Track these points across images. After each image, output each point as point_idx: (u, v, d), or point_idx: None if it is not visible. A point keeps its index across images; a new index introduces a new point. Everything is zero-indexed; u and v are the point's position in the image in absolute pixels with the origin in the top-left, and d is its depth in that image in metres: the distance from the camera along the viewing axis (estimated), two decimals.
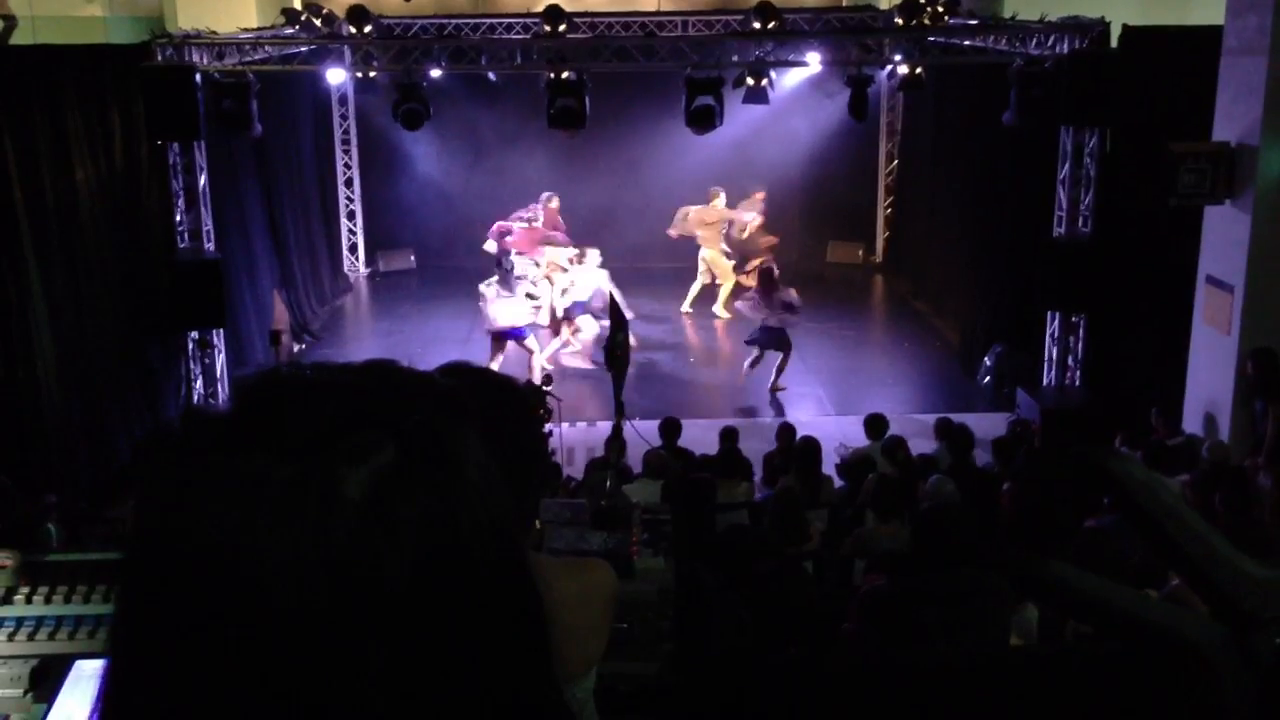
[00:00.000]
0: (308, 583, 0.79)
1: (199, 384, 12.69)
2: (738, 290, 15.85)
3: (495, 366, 13.54)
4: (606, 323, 14.07)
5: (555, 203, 16.10)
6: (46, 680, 3.42)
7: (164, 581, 0.82)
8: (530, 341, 13.92)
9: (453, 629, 0.84)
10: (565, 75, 12.27)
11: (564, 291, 14.63)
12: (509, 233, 15.56)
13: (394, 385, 0.91)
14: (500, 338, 13.82)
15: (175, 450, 0.86)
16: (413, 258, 19.47)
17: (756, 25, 12.77)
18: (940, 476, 8.50)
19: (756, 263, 15.60)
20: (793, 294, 13.82)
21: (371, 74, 15.63)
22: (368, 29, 12.71)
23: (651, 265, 18.14)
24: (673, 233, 16.64)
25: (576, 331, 14.66)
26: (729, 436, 10.22)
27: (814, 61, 13.41)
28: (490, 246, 15.69)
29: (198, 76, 11.70)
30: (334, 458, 0.82)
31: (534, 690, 0.94)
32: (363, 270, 19.57)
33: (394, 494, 0.82)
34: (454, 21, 16.50)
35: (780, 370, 13.76)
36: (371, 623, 0.80)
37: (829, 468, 9.76)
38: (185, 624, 0.80)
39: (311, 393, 0.88)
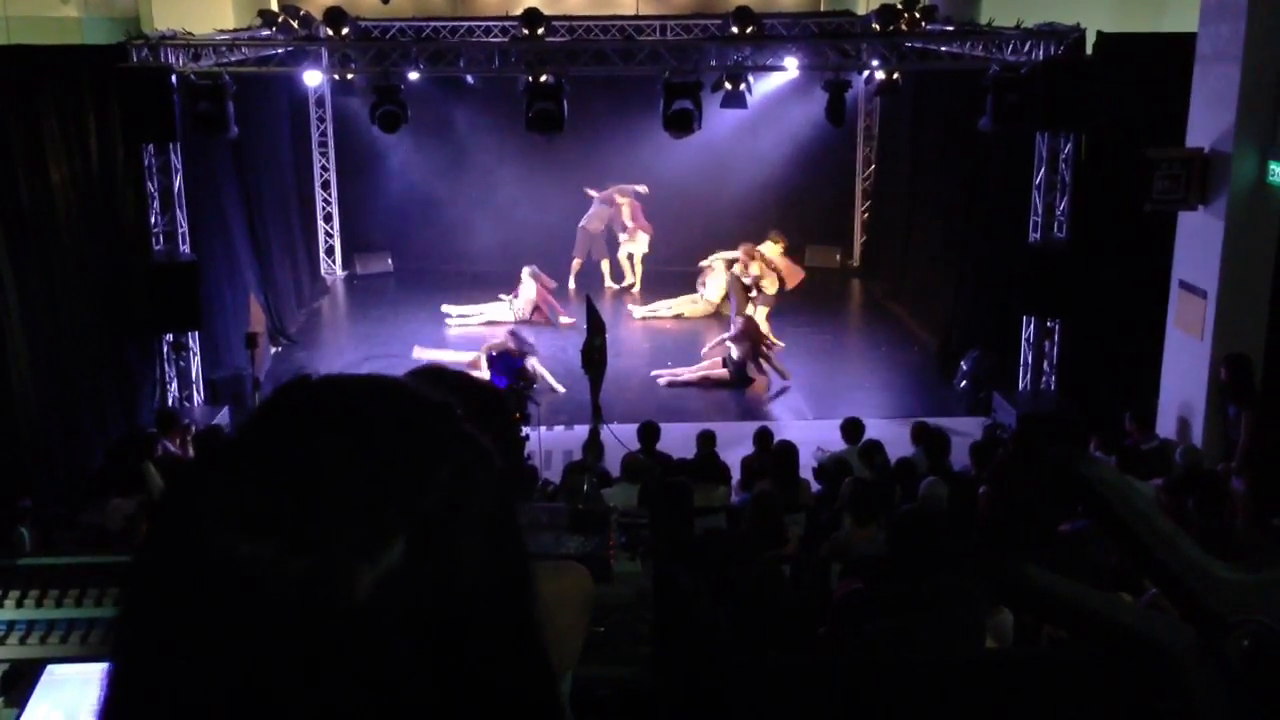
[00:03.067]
0: (306, 678, 0.77)
1: (174, 386, 12.62)
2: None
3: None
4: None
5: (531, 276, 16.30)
6: (18, 685, 3.39)
7: (159, 650, 0.79)
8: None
9: (454, 709, 0.83)
10: (544, 79, 12.27)
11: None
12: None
13: (414, 447, 0.86)
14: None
15: (187, 486, 0.83)
16: (390, 261, 19.41)
17: (735, 30, 12.79)
18: (934, 480, 8.53)
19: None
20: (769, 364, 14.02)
21: (349, 76, 15.59)
22: (345, 31, 12.67)
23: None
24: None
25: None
26: (706, 440, 10.22)
27: (792, 66, 13.45)
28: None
29: (173, 78, 11.65)
30: (345, 553, 0.78)
31: (539, 690, 0.92)
32: (340, 273, 19.50)
33: (399, 596, 0.79)
34: (432, 24, 16.47)
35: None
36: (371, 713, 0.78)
37: (806, 472, 9.78)
38: (180, 693, 0.78)
39: (326, 455, 0.83)
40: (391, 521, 0.80)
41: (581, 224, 17.39)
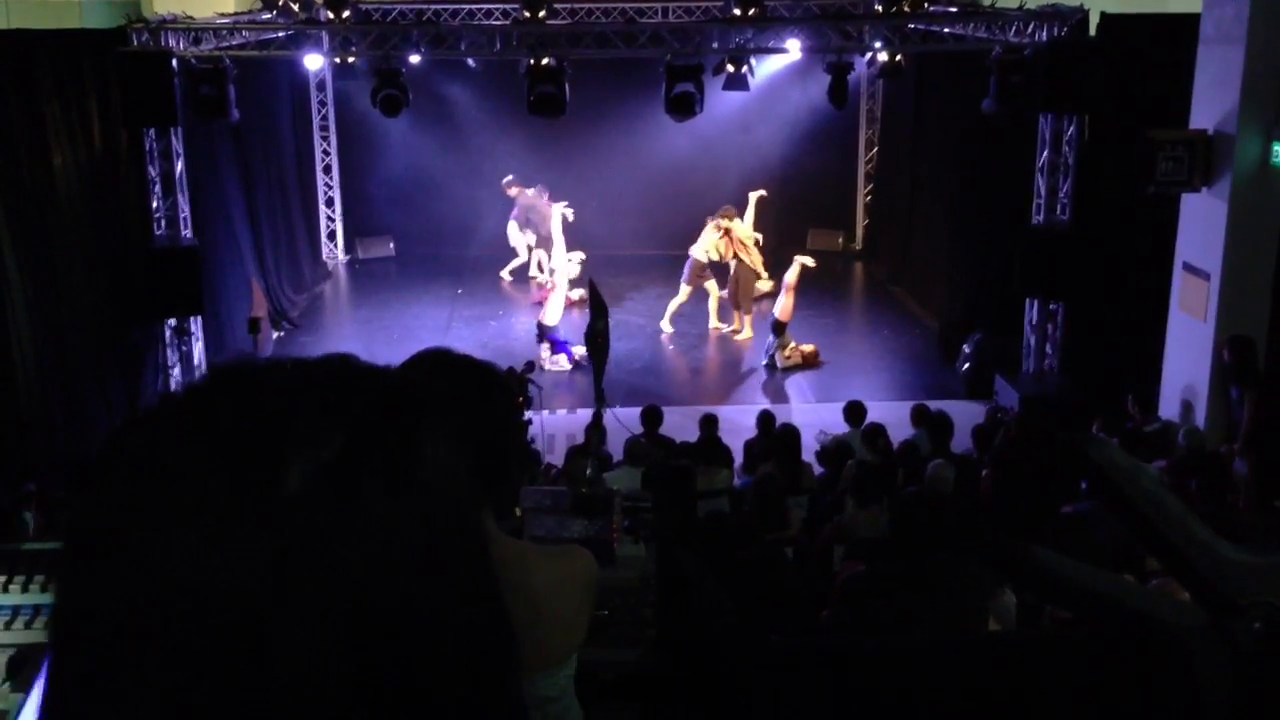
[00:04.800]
0: (247, 583, 0.71)
1: (176, 371, 12.63)
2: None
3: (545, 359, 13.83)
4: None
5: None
6: (24, 670, 3.40)
7: (98, 591, 0.75)
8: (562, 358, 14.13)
9: (405, 639, 0.76)
10: (545, 62, 12.23)
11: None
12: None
13: (346, 377, 0.83)
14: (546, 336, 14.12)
15: (110, 454, 0.79)
16: (392, 245, 19.40)
17: (736, 12, 12.74)
18: (940, 462, 8.52)
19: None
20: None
21: (350, 60, 15.56)
22: (346, 14, 12.62)
23: (632, 251, 18.14)
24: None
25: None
26: (709, 424, 10.23)
27: (794, 48, 13.40)
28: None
29: (174, 62, 11.62)
30: (276, 446, 0.74)
31: (496, 707, 0.85)
32: (342, 257, 19.49)
33: (339, 487, 0.75)
34: (433, 7, 16.40)
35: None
36: (317, 628, 0.73)
37: (809, 455, 9.78)
38: (122, 641, 0.73)
39: (256, 380, 0.80)
40: (332, 417, 0.77)
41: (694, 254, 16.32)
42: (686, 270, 15.36)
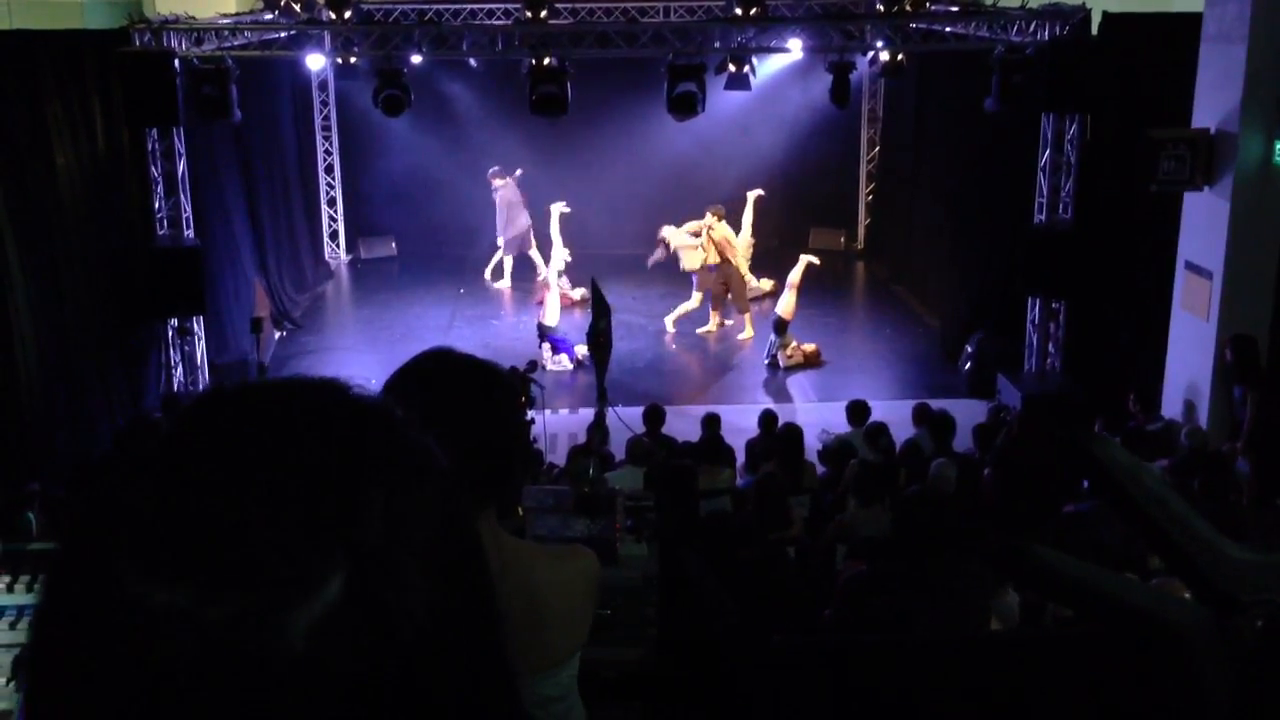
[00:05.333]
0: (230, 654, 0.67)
1: (179, 371, 12.65)
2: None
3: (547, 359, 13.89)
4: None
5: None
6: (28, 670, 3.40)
7: (70, 700, 0.70)
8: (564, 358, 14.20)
9: (405, 664, 0.73)
10: (547, 61, 12.23)
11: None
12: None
13: (346, 461, 0.74)
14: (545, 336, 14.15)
15: (67, 566, 0.72)
16: (394, 244, 19.42)
17: (738, 12, 12.74)
18: (943, 461, 8.53)
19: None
20: None
21: (352, 60, 15.56)
22: (348, 14, 12.62)
23: (634, 252, 18.13)
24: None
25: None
26: (711, 423, 10.23)
27: (796, 48, 13.40)
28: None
29: (176, 62, 11.63)
30: (274, 595, 0.68)
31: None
32: (344, 257, 19.50)
33: (340, 640, 0.69)
34: (435, 7, 16.40)
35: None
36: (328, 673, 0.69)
37: (811, 454, 9.78)
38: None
39: (242, 478, 0.71)
40: (326, 554, 0.69)
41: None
42: (695, 280, 15.38)
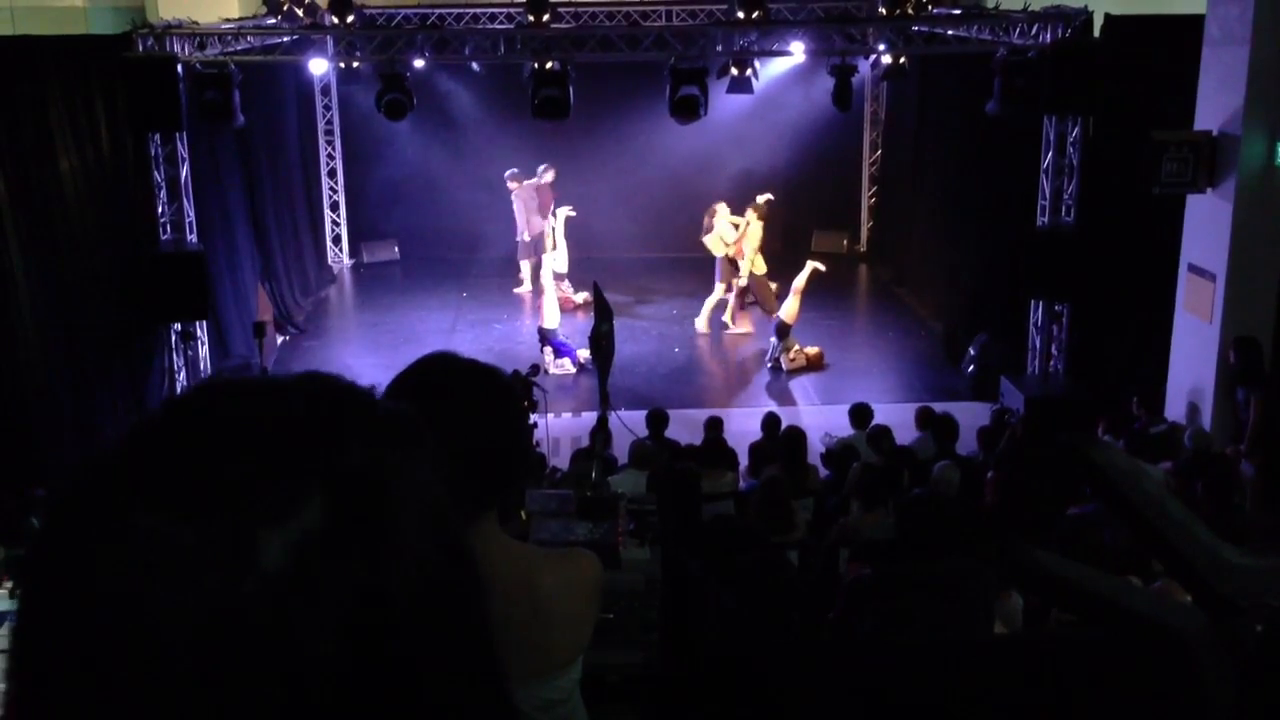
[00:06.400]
0: (214, 663, 0.68)
1: (182, 375, 12.66)
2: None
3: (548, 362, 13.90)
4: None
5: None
6: None
7: (57, 647, 0.71)
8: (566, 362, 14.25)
9: (385, 705, 0.73)
10: (549, 65, 12.24)
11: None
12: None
13: (325, 413, 0.77)
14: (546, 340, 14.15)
15: (65, 503, 0.75)
16: (397, 248, 19.42)
17: (740, 15, 12.75)
18: (946, 464, 8.53)
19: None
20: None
21: (355, 64, 15.58)
22: (350, 19, 12.66)
23: (635, 254, 18.14)
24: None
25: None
26: (714, 426, 10.23)
27: (798, 51, 13.41)
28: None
29: (179, 67, 11.64)
30: (249, 517, 0.70)
31: None
32: (347, 261, 19.51)
33: (319, 562, 0.70)
34: (437, 11, 16.42)
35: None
36: (291, 708, 0.69)
37: (814, 457, 9.78)
38: (79, 697, 0.70)
39: (225, 425, 0.74)
40: (304, 478, 0.72)
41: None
42: (718, 269, 15.41)
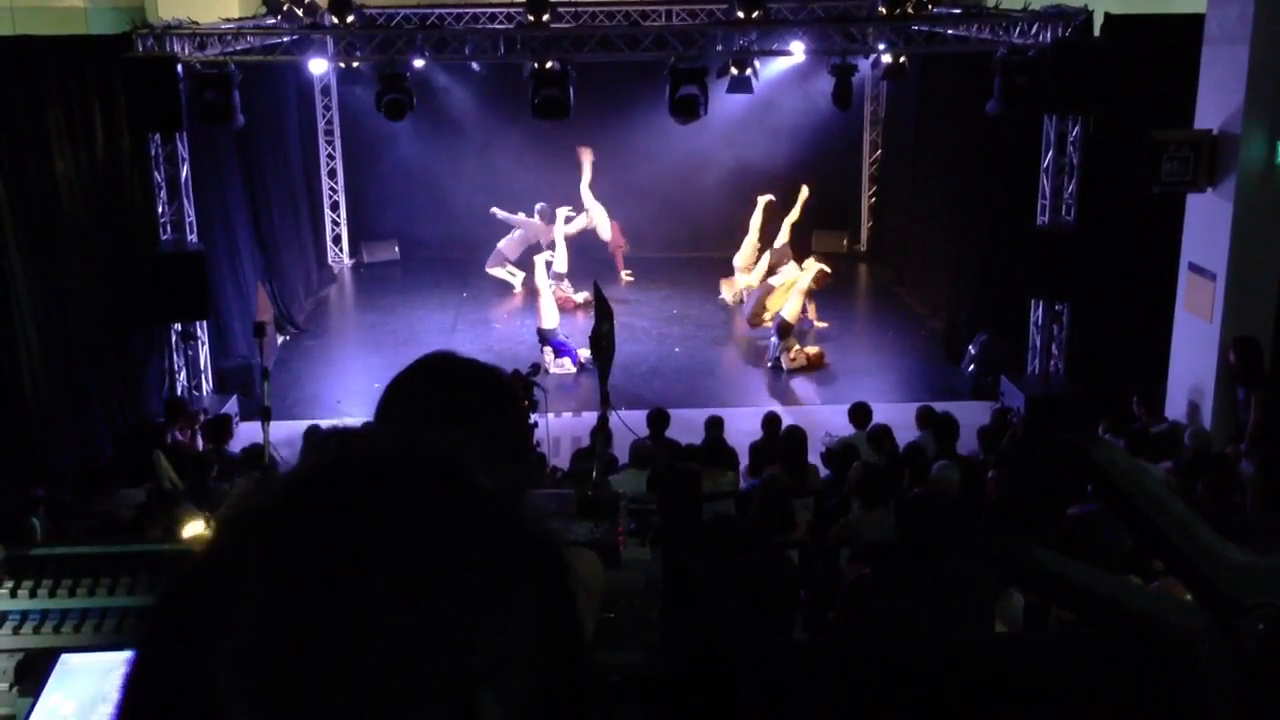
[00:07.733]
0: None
1: (182, 376, 12.66)
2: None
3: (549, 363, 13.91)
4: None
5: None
6: (32, 674, 3.40)
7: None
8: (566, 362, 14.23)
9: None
10: (549, 65, 12.24)
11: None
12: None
13: (467, 587, 0.73)
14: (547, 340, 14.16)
15: (191, 627, 0.74)
16: (397, 248, 19.42)
17: (740, 14, 12.74)
18: (945, 463, 8.52)
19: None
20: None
21: (354, 64, 15.57)
22: (350, 19, 12.65)
23: (636, 254, 18.13)
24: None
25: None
26: (715, 426, 10.22)
27: (798, 50, 13.41)
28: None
29: (179, 67, 11.65)
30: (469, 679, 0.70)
31: None
32: (347, 261, 19.51)
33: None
34: (437, 11, 16.42)
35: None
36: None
37: (814, 457, 9.77)
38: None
39: (368, 612, 0.69)
40: (435, 692, 0.69)
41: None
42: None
